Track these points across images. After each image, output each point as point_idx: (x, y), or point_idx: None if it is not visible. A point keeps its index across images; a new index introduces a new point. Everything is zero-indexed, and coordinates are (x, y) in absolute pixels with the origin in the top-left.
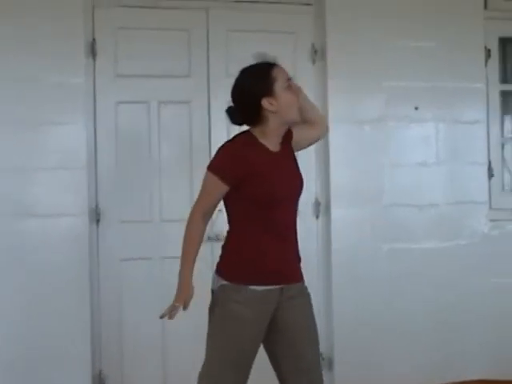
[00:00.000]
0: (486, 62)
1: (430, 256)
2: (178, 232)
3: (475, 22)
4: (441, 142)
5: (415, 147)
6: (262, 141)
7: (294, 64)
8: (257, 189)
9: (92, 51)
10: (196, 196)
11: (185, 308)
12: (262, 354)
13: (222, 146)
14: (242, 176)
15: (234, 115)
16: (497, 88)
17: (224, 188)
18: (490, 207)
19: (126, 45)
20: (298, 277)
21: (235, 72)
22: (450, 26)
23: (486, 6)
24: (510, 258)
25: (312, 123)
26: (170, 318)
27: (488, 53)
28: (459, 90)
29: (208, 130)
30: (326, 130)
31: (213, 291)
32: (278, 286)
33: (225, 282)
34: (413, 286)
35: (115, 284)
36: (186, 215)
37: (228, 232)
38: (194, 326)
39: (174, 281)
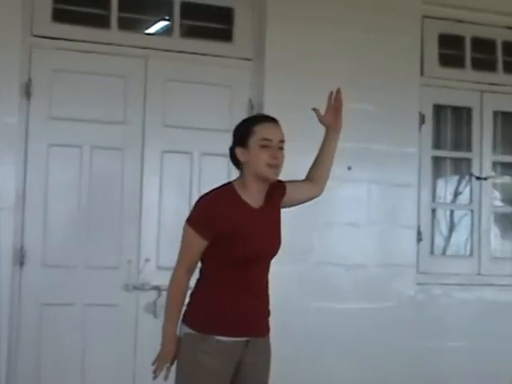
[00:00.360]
0: (420, 127)
1: (356, 316)
2: (102, 279)
3: (411, 88)
4: (372, 204)
5: (347, 207)
6: (243, 195)
7: (230, 117)
8: (232, 248)
9: (27, 92)
10: (123, 244)
11: (171, 364)
12: None
13: (201, 197)
14: (219, 232)
15: (230, 156)
16: (429, 153)
17: (203, 243)
18: (418, 271)
19: (62, 87)
20: (264, 332)
21: (171, 122)
22: (387, 91)
23: (422, 73)
24: (435, 321)
25: (315, 180)
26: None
27: (422, 118)
28: (392, 154)
29: (140, 179)
30: (323, 189)
31: (179, 339)
32: (243, 339)
33: (191, 331)
34: (338, 345)
35: (35, 329)
36: (113, 263)
37: (198, 281)
38: (114, 379)
39: (96, 329)
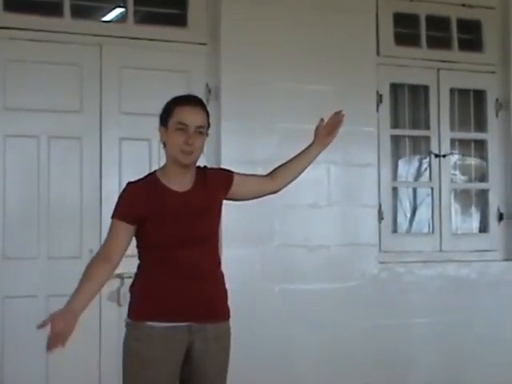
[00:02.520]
0: (378, 106)
1: (319, 297)
2: (65, 269)
3: (368, 67)
4: (332, 184)
5: (307, 189)
6: (164, 180)
7: None
8: (157, 231)
9: None
10: (84, 233)
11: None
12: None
13: (124, 189)
14: (140, 216)
15: None
16: (387, 132)
17: (127, 228)
18: (380, 250)
19: (16, 78)
20: (212, 317)
21: (128, 109)
22: (344, 71)
23: (378, 53)
24: (399, 299)
25: (277, 178)
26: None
27: (380, 98)
28: (351, 134)
29: (99, 167)
30: (281, 188)
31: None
32: (182, 324)
33: (128, 320)
34: (303, 326)
35: None
36: (75, 253)
37: (136, 271)
38: (79, 368)
39: None
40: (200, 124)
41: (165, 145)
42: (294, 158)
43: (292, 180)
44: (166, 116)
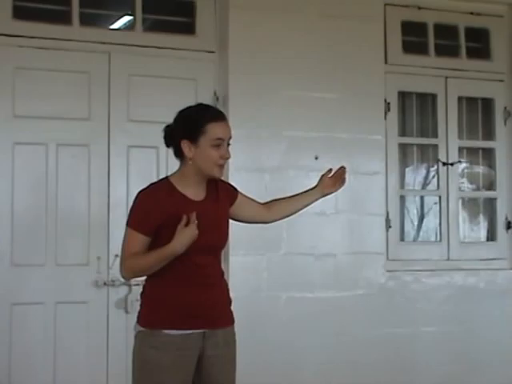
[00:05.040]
0: (386, 114)
1: (326, 305)
2: (73, 276)
3: (376, 75)
4: (340, 193)
5: None
6: (180, 187)
7: None
8: (168, 238)
9: None
10: (92, 241)
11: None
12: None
13: (137, 195)
14: (158, 224)
15: (166, 136)
16: (395, 140)
17: (145, 239)
18: (387, 258)
19: (25, 85)
20: (223, 322)
21: (136, 117)
22: (352, 79)
23: (386, 61)
24: (406, 307)
25: (272, 211)
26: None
27: (388, 106)
28: (359, 142)
29: (107, 174)
30: (274, 221)
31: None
32: (198, 331)
33: (141, 329)
34: (309, 334)
35: (6, 328)
36: (82, 260)
37: (145, 280)
38: (86, 375)
39: (67, 326)
40: (231, 135)
41: (184, 157)
42: (293, 196)
43: (285, 217)
44: (195, 133)
